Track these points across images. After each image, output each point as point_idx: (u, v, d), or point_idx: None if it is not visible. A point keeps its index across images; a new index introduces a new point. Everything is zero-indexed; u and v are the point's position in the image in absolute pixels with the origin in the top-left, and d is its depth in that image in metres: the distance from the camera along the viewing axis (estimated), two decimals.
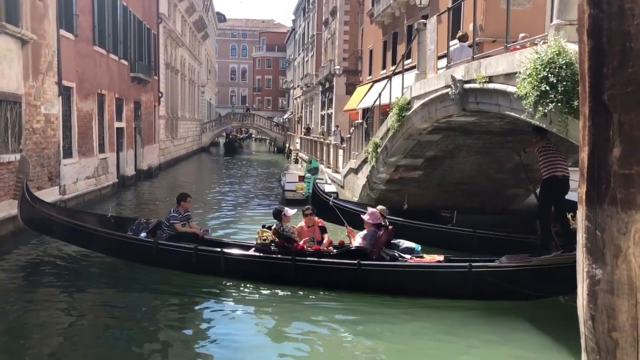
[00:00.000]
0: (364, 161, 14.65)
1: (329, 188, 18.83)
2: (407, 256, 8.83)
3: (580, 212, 3.03)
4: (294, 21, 68.96)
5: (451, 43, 11.35)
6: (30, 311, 7.86)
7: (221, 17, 79.02)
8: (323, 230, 9.45)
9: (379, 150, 13.18)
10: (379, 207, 9.86)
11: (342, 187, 17.96)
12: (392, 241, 9.18)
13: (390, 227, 9.21)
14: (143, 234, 9.75)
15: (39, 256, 10.81)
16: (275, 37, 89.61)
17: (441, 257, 8.82)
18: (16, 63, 12.39)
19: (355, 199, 15.12)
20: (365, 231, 8.88)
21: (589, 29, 2.96)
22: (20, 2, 12.47)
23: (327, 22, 41.42)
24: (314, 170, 12.81)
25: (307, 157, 31.96)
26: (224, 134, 63.20)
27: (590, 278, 2.97)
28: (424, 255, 8.99)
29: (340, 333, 7.30)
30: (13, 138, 12.25)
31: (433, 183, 13.71)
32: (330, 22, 39.85)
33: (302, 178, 20.26)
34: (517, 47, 9.10)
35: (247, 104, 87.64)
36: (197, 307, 8.14)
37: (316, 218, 9.61)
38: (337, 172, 20.60)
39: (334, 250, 8.90)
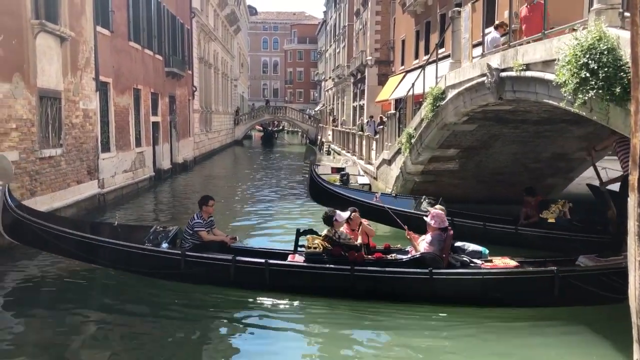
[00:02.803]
0: (398, 152, 14.55)
1: (362, 180, 18.83)
2: (478, 261, 8.04)
3: (632, 200, 2.95)
4: (325, 12, 68.73)
5: (487, 31, 11.16)
6: (39, 339, 6.78)
7: (253, 11, 79.41)
8: (371, 232, 8.59)
9: (412, 140, 13.07)
10: (438, 206, 9.11)
11: (375, 178, 17.88)
12: (455, 244, 8.30)
13: (450, 228, 8.16)
14: (165, 245, 8.47)
15: (41, 271, 9.31)
16: (307, 29, 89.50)
17: (511, 260, 8.13)
18: (55, 60, 12.69)
19: (389, 191, 15.05)
20: (428, 235, 7.98)
21: None
22: (59, 0, 12.76)
23: (359, 13, 41.16)
24: (311, 154, 12.65)
25: (338, 149, 31.94)
26: (257, 126, 64.05)
27: None
28: (492, 258, 8.22)
29: (414, 350, 6.53)
30: (53, 133, 12.58)
31: (468, 173, 13.54)
32: (362, 13, 39.59)
33: (334, 170, 20.31)
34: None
35: (266, 97, 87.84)
36: (239, 328, 7.17)
37: (362, 219, 8.63)
38: (369, 163, 20.52)
39: (401, 257, 8.02)
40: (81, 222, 10.22)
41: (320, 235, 8.10)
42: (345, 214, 8.30)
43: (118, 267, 8.55)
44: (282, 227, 13.24)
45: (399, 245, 8.75)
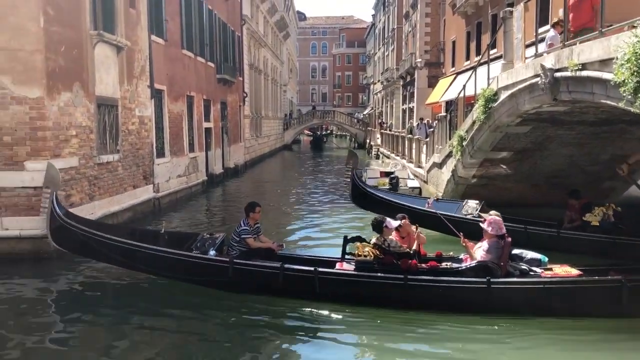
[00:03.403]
0: (449, 155, 14.36)
1: (412, 183, 18.65)
2: (538, 269, 7.70)
3: None
4: (373, 16, 68.64)
5: (541, 30, 10.88)
6: (86, 345, 6.86)
7: (301, 16, 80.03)
8: (422, 239, 8.23)
9: (464, 143, 12.87)
10: (493, 212, 8.67)
11: (426, 182, 17.70)
12: (513, 252, 7.90)
13: (507, 235, 7.79)
14: (212, 252, 8.26)
15: (87, 279, 9.36)
16: (355, 33, 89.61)
17: (572, 269, 7.70)
18: (113, 69, 13.15)
19: (440, 194, 14.86)
20: (485, 243, 7.66)
21: None
22: (116, 11, 13.23)
23: (408, 15, 40.89)
24: (352, 158, 12.58)
25: (387, 152, 31.78)
26: (306, 131, 64.57)
27: None
28: (552, 266, 7.84)
29: None
30: (111, 139, 13.02)
31: (522, 177, 13.22)
32: (411, 15, 39.32)
33: (383, 174, 20.17)
34: None
35: (314, 101, 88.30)
36: (287, 338, 6.96)
37: (413, 227, 8.35)
38: (419, 167, 20.32)
39: (457, 266, 7.72)
40: (127, 229, 10.16)
41: (369, 243, 7.85)
42: (395, 222, 8.04)
43: (165, 274, 8.45)
44: (330, 233, 13.07)
45: (451, 253, 8.44)
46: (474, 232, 8.27)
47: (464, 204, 11.81)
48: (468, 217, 11.00)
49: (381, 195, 12.58)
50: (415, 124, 30.08)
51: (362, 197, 12.45)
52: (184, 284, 8.34)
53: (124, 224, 12.57)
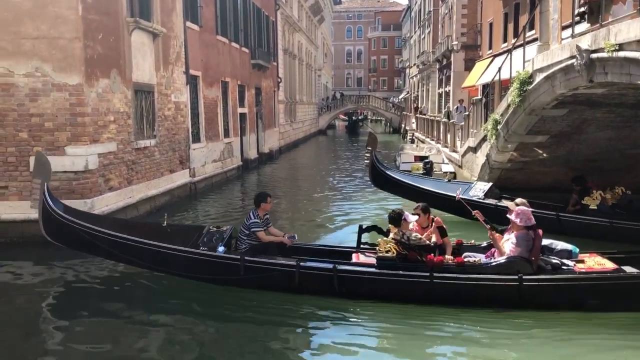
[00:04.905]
0: (483, 139, 14.19)
1: (446, 168, 18.51)
2: (570, 263, 7.30)
3: None
4: None
5: (578, 11, 10.61)
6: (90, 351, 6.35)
7: (336, 0, 79.41)
8: (443, 232, 7.71)
9: (499, 127, 12.70)
10: (518, 200, 8.31)
11: (460, 166, 17.54)
12: (542, 243, 7.42)
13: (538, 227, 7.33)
14: (221, 248, 7.68)
15: (89, 273, 8.81)
16: (391, 16, 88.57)
17: (602, 258, 7.41)
18: (149, 55, 13.40)
19: (475, 179, 14.72)
20: (512, 235, 7.22)
21: None
22: None
23: None
24: (372, 141, 12.65)
25: (422, 137, 31.51)
26: (341, 115, 64.40)
27: None
28: (583, 257, 7.52)
29: None
30: (147, 125, 13.31)
31: (559, 160, 12.98)
32: None
33: (417, 158, 20.05)
34: None
35: (348, 87, 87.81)
36: (304, 338, 6.61)
37: (432, 216, 8.05)
38: (454, 151, 20.13)
39: (487, 262, 7.28)
40: (127, 222, 9.62)
41: (387, 236, 7.49)
42: (413, 217, 7.78)
43: (171, 271, 7.96)
44: (350, 217, 13.11)
45: (472, 241, 8.17)
46: (498, 219, 8.24)
47: (473, 185, 11.86)
48: (493, 203, 10.93)
49: (399, 178, 12.66)
50: (455, 106, 29.61)
51: (381, 179, 12.57)
52: (188, 280, 7.91)
53: (123, 218, 11.60)
